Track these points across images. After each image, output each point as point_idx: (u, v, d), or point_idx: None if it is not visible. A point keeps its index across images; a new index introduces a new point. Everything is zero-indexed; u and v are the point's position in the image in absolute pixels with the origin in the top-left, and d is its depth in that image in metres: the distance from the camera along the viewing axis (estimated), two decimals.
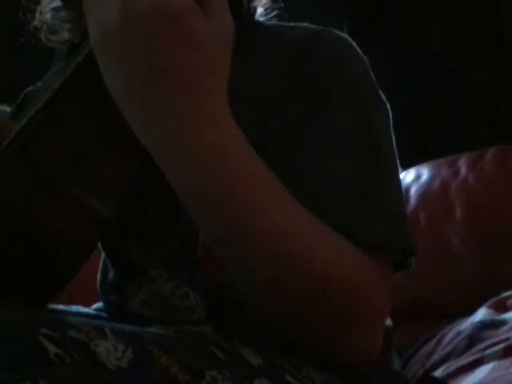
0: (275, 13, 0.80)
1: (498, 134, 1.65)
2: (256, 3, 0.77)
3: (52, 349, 0.47)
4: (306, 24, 0.74)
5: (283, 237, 0.57)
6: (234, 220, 0.56)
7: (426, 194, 1.52)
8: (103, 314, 0.77)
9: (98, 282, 0.79)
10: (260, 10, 0.79)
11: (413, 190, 1.52)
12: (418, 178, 1.56)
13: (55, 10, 0.81)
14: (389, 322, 0.73)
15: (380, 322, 0.63)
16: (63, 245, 0.61)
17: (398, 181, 0.68)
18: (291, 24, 0.76)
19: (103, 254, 0.78)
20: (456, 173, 1.54)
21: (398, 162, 0.69)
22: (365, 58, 0.71)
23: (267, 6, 0.79)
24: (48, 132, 0.61)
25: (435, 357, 0.90)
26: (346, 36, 0.72)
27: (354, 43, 0.72)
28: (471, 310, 1.00)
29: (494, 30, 1.81)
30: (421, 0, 1.85)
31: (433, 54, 1.81)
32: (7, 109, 0.89)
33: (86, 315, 0.76)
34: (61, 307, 0.73)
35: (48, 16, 0.82)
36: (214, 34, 0.53)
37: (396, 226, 0.64)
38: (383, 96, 0.71)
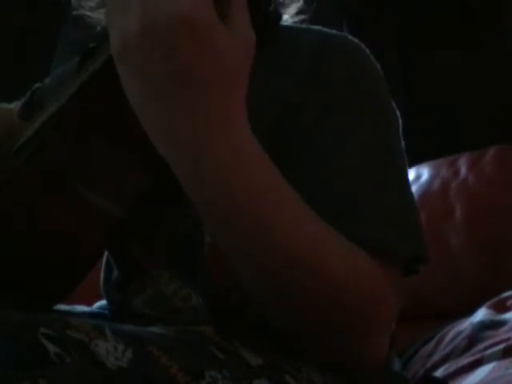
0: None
1: (498, 133, 1.65)
2: (283, 12, 0.77)
3: (52, 348, 0.47)
4: (320, 27, 0.74)
5: (298, 247, 0.57)
6: (251, 232, 0.56)
7: (426, 193, 1.52)
8: (106, 313, 0.77)
9: (101, 281, 0.79)
10: (286, 17, 0.79)
11: (413, 190, 1.52)
12: (418, 177, 1.56)
13: None
14: None
15: (389, 327, 0.64)
16: (74, 246, 0.61)
17: (410, 189, 0.69)
18: (304, 26, 0.75)
19: (106, 253, 0.78)
20: (456, 173, 1.54)
21: (408, 172, 0.70)
22: (378, 64, 0.71)
23: (295, 14, 0.79)
24: (62, 136, 0.61)
25: (435, 357, 0.90)
26: (359, 42, 0.72)
27: (367, 50, 0.72)
28: (471, 310, 1.00)
29: (494, 30, 1.81)
30: (421, 0, 1.85)
31: (433, 53, 1.81)
32: (10, 105, 0.89)
33: (90, 314, 0.76)
34: (64, 307, 0.73)
35: None
36: (235, 49, 0.53)
37: (409, 233, 0.65)
38: (393, 104, 0.71)
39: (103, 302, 0.80)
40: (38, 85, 0.89)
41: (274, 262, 0.57)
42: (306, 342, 0.62)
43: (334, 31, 0.73)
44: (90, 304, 0.82)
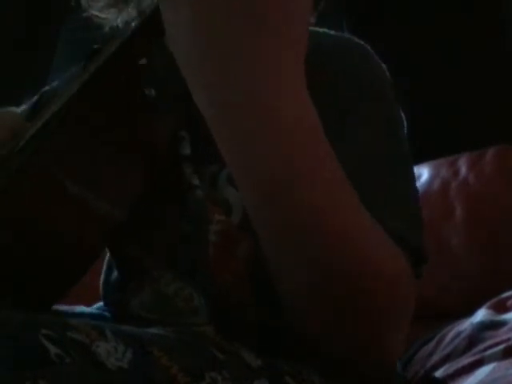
0: None
1: (498, 133, 1.65)
2: None
3: (52, 349, 0.47)
4: (325, 29, 0.73)
5: (348, 235, 0.55)
6: (300, 210, 0.53)
7: (426, 193, 1.52)
8: (106, 314, 0.77)
9: (101, 282, 0.79)
10: None
11: None
12: (418, 177, 1.56)
13: None
14: None
15: (408, 322, 0.62)
16: (72, 246, 0.60)
17: (415, 185, 0.69)
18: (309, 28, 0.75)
19: (107, 254, 0.78)
20: (456, 173, 1.54)
21: (413, 171, 0.70)
22: (384, 66, 0.71)
23: None
24: (63, 136, 0.60)
25: (435, 357, 0.90)
26: (365, 44, 0.72)
27: (372, 51, 0.71)
28: (471, 311, 1.00)
29: (493, 30, 1.81)
30: (421, 0, 1.85)
31: (433, 53, 1.81)
32: (17, 109, 0.88)
33: (90, 315, 0.76)
34: (64, 308, 0.73)
35: None
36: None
37: (419, 229, 0.64)
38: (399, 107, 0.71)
39: (102, 304, 0.80)
40: (46, 88, 0.89)
41: (324, 244, 0.54)
42: (338, 341, 0.59)
43: (340, 33, 0.73)
44: (89, 305, 0.82)
